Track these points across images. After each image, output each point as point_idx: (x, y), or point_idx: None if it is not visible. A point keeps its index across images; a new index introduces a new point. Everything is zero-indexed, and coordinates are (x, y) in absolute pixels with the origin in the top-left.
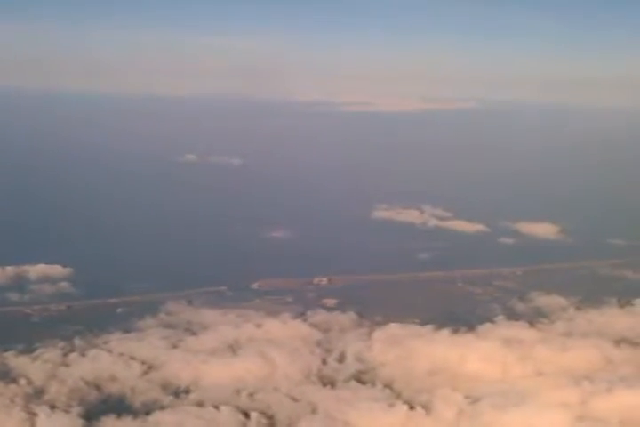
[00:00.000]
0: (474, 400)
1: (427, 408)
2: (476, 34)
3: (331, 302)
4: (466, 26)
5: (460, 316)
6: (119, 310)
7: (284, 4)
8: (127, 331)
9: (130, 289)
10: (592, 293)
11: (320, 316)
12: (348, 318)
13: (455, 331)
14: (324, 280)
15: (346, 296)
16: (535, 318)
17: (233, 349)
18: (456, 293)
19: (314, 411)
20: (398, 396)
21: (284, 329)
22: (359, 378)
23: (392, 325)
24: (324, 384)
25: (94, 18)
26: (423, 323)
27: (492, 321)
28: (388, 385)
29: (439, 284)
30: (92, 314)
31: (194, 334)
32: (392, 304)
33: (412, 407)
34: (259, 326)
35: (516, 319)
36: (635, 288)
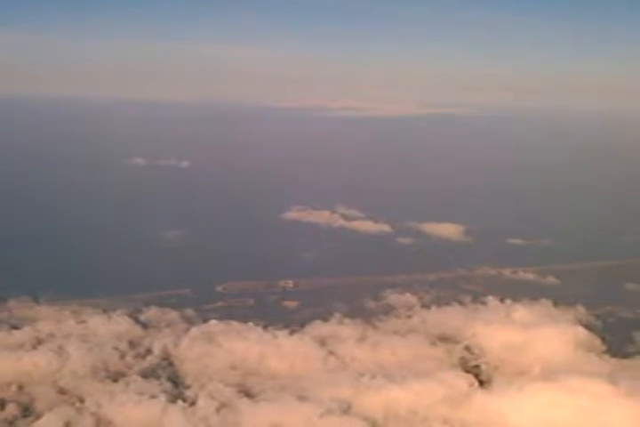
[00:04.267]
0: (245, 395)
1: (191, 402)
2: (476, 40)
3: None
4: (466, 32)
5: (300, 315)
6: None
7: (280, 12)
8: None
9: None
10: (452, 292)
11: (154, 312)
12: (180, 314)
13: (285, 328)
14: (290, 283)
15: None
16: (377, 316)
17: (37, 343)
18: (315, 291)
19: (74, 403)
20: (184, 390)
21: (106, 325)
22: (152, 373)
23: (212, 322)
24: (109, 379)
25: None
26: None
27: (325, 319)
28: (175, 380)
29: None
30: None
31: (13, 328)
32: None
33: (175, 401)
34: (81, 322)
35: (356, 317)
36: (504, 287)
